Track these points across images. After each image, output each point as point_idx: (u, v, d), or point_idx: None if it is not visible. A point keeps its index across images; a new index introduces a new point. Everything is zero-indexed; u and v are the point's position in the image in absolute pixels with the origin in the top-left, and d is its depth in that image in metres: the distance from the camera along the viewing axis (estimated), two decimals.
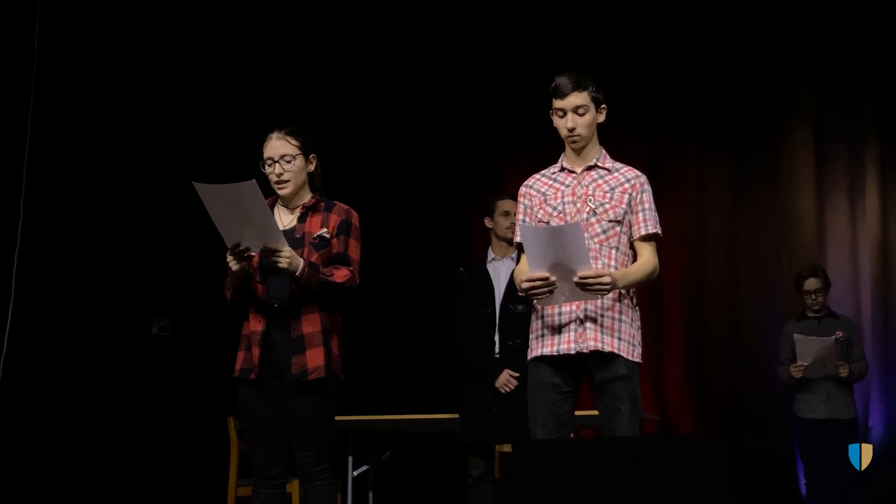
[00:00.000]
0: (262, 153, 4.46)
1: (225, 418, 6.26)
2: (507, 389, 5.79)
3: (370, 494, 6.98)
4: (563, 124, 4.32)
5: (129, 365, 7.73)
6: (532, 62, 7.72)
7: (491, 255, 6.08)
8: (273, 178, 4.44)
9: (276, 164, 4.42)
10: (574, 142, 4.33)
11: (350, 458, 6.79)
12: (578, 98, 4.29)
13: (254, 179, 4.12)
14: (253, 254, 4.28)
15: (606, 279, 4.05)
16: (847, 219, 7.79)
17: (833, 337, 6.72)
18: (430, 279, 7.56)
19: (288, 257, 4.22)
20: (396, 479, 7.56)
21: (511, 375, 5.77)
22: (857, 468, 6.56)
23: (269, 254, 4.23)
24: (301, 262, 4.26)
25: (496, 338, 5.90)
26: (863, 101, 7.82)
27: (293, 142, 4.45)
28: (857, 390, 7.00)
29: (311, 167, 4.51)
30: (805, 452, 6.89)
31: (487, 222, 6.10)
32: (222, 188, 4.11)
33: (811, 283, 6.91)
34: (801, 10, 7.85)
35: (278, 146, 4.44)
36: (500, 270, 5.99)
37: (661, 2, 8.08)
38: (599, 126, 4.41)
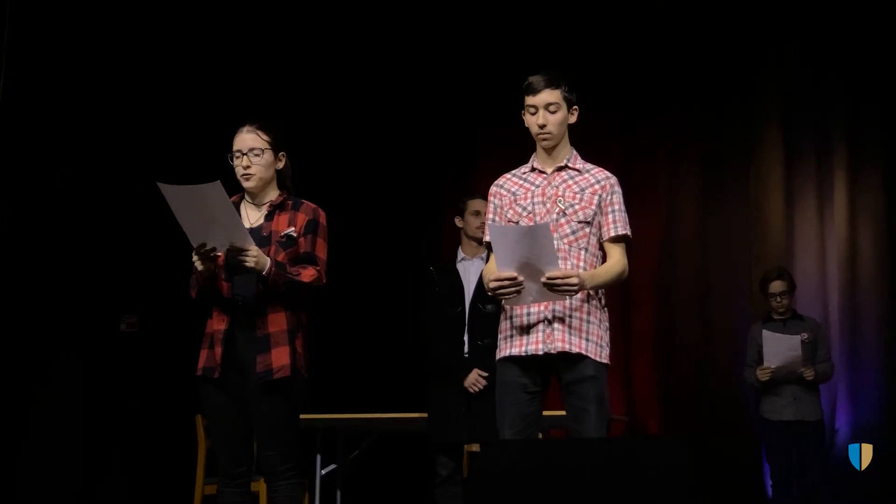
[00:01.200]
0: (231, 146, 4.45)
1: (193, 416, 6.24)
2: (476, 389, 5.79)
3: (338, 493, 6.97)
4: (534, 121, 4.32)
5: (97, 361, 7.69)
6: (505, 63, 7.72)
7: (461, 254, 6.08)
8: (240, 170, 4.41)
9: (244, 157, 4.40)
10: (544, 139, 4.33)
11: (318, 457, 6.78)
12: (551, 95, 4.29)
13: (219, 181, 4.10)
14: (219, 253, 4.25)
15: (574, 280, 4.05)
16: (815, 222, 7.84)
17: (800, 336, 6.73)
18: (401, 278, 7.55)
19: (255, 256, 4.20)
20: (364, 478, 7.55)
21: (480, 375, 5.77)
22: (823, 469, 6.71)
23: (236, 253, 4.21)
24: (268, 262, 4.24)
25: (465, 337, 5.90)
26: (831, 107, 7.86)
27: (264, 136, 4.43)
28: (825, 392, 7.03)
29: (280, 165, 4.49)
30: (771, 454, 6.88)
31: (458, 221, 6.09)
32: (187, 189, 4.09)
33: (776, 286, 6.92)
34: (771, 14, 7.88)
35: (248, 139, 4.42)
36: (469, 270, 5.98)
37: (633, 5, 8.09)
38: (571, 128, 4.41)
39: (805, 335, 6.80)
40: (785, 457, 6.79)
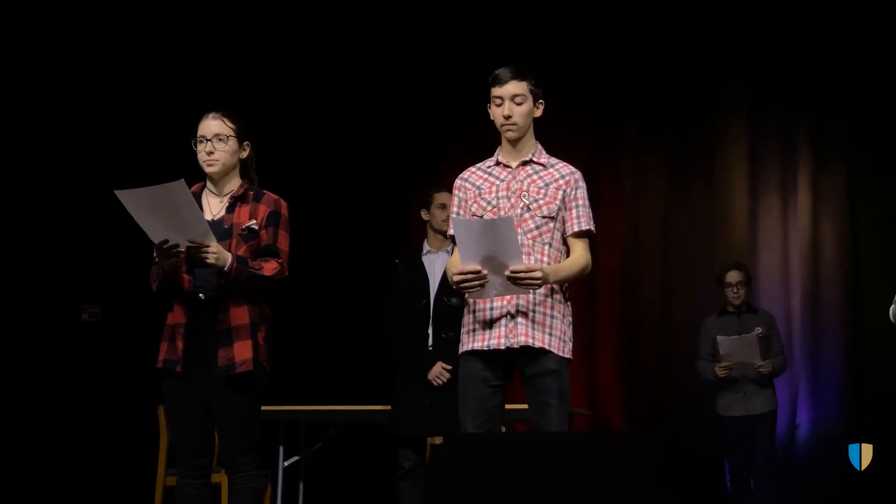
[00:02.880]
0: (195, 131, 4.42)
1: (155, 407, 6.21)
2: (440, 382, 5.80)
3: (301, 485, 6.95)
4: (499, 112, 4.32)
5: (58, 351, 7.63)
6: (473, 56, 7.71)
7: (426, 247, 6.08)
8: (203, 155, 4.39)
9: (208, 143, 4.37)
10: (509, 130, 4.33)
11: (281, 449, 6.76)
12: (517, 87, 4.30)
13: (182, 179, 4.08)
14: (181, 250, 4.23)
15: (537, 274, 4.06)
16: (779, 219, 7.88)
17: (755, 333, 6.75)
18: (365, 270, 7.54)
19: (215, 253, 4.18)
20: (327, 471, 7.54)
21: (444, 368, 5.78)
22: (769, 460, 6.73)
23: (197, 249, 4.19)
24: (229, 257, 4.21)
25: (430, 330, 5.91)
26: (795, 105, 7.91)
27: (229, 124, 4.40)
28: (786, 388, 7.08)
29: (244, 154, 4.47)
30: (729, 449, 6.93)
31: (424, 214, 6.10)
32: (148, 191, 4.06)
33: (732, 276, 6.93)
34: (737, 10, 7.91)
35: (213, 125, 4.39)
36: (435, 263, 5.99)
37: (598, 1, 8.12)
38: (537, 122, 4.41)
39: (759, 329, 6.81)
40: (741, 452, 6.82)
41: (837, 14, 7.73)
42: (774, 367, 6.81)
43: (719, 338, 6.77)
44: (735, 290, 6.92)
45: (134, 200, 4.08)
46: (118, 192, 4.06)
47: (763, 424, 6.78)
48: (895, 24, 7.54)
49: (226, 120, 4.40)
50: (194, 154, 4.42)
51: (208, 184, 4.47)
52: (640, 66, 8.11)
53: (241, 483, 4.34)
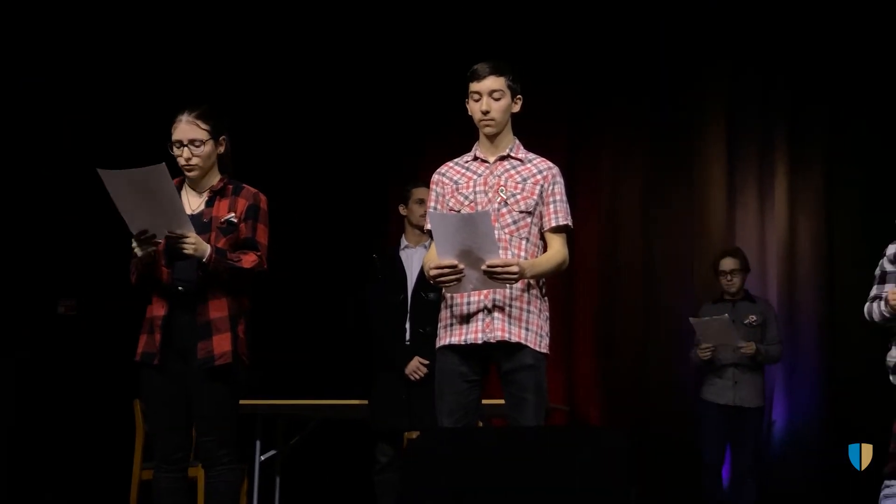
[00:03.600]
0: (170, 134, 4.41)
1: (131, 400, 6.20)
2: (417, 377, 5.81)
3: (277, 480, 6.95)
4: (477, 108, 4.33)
5: (34, 345, 7.60)
6: (452, 53, 7.71)
7: (404, 242, 6.09)
8: (181, 161, 4.39)
9: (185, 149, 4.37)
10: (487, 125, 4.34)
11: (258, 443, 6.76)
12: (495, 83, 4.31)
13: (163, 163, 4.08)
14: (159, 240, 4.23)
15: (514, 268, 4.07)
16: (756, 219, 7.90)
17: (724, 316, 6.60)
18: (343, 265, 7.54)
19: (193, 244, 4.18)
20: (304, 465, 7.53)
21: (421, 363, 5.79)
22: (754, 457, 6.69)
23: (175, 240, 4.18)
24: (208, 249, 4.22)
25: (407, 325, 5.92)
26: (775, 107, 7.93)
27: (203, 126, 4.38)
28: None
29: (221, 149, 4.47)
30: (707, 437, 6.80)
31: (401, 209, 6.11)
32: (130, 173, 4.06)
33: (727, 263, 6.84)
34: (717, 14, 7.94)
35: (188, 130, 4.37)
36: (412, 258, 5.99)
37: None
38: (516, 118, 4.42)
39: (753, 318, 6.73)
40: (718, 441, 6.74)
41: (817, 19, 7.75)
42: (767, 353, 6.73)
43: (691, 319, 6.69)
44: (729, 277, 6.83)
45: (115, 181, 4.08)
46: (101, 171, 4.06)
47: (751, 422, 6.73)
48: (871, 30, 7.58)
49: (199, 122, 4.38)
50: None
51: (187, 179, 4.47)
52: (620, 64, 8.12)
53: (217, 477, 4.34)
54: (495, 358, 4.26)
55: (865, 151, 7.61)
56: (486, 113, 4.31)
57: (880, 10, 7.52)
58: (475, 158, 4.42)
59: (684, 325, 7.16)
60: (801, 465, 7.48)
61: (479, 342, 4.21)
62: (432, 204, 4.42)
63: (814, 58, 7.78)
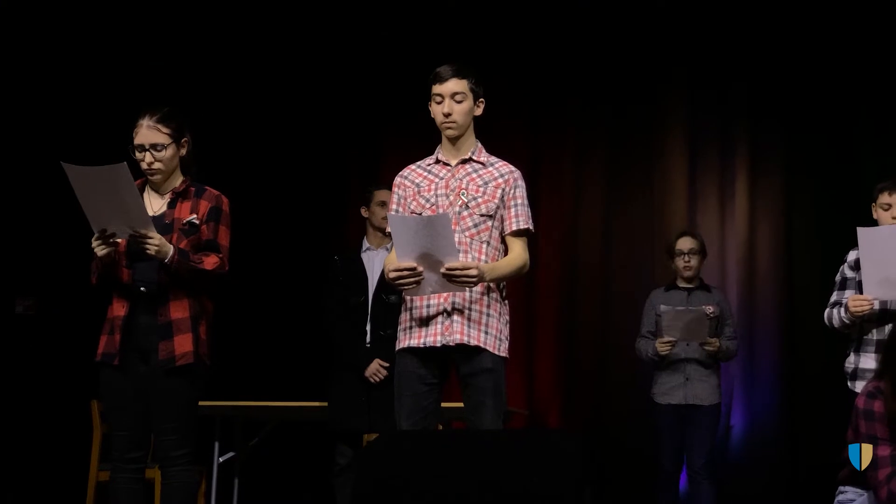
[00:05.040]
0: (132, 137, 4.39)
1: (89, 401, 6.16)
2: (377, 379, 5.81)
3: (236, 481, 6.92)
4: (439, 110, 4.34)
5: None
6: (414, 55, 7.72)
7: (366, 244, 6.10)
8: (143, 165, 4.38)
9: (147, 153, 4.36)
10: (449, 128, 4.35)
11: (216, 444, 6.72)
12: (457, 85, 4.32)
13: (125, 162, 4.07)
14: (120, 239, 4.22)
15: (473, 272, 4.08)
16: (717, 222, 7.95)
17: (703, 308, 6.10)
18: (304, 267, 7.53)
19: (157, 244, 4.18)
20: (263, 467, 7.51)
21: (381, 365, 5.79)
22: (708, 460, 6.13)
23: (139, 239, 4.17)
24: (171, 249, 4.22)
25: (368, 327, 5.92)
26: (734, 115, 7.99)
27: (164, 129, 4.38)
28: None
29: (183, 151, 4.47)
30: (663, 443, 6.27)
31: (363, 211, 6.12)
32: (93, 170, 4.05)
33: (685, 243, 6.28)
34: (678, 23, 7.98)
35: (149, 135, 4.37)
36: (374, 260, 6.00)
37: (544, 1, 8.15)
38: (479, 121, 4.44)
39: (711, 308, 6.16)
40: (672, 443, 6.22)
41: (776, 28, 7.83)
42: (727, 350, 6.23)
43: (663, 307, 6.15)
44: (686, 258, 6.24)
45: (79, 177, 4.06)
46: (65, 165, 4.04)
47: (704, 419, 6.16)
48: (825, 42, 7.67)
49: (160, 127, 4.38)
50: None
51: (149, 181, 4.46)
52: (581, 69, 8.15)
53: (174, 478, 4.33)
54: (454, 361, 4.27)
55: (821, 157, 7.69)
56: (447, 115, 4.32)
57: (834, 23, 7.62)
58: (437, 161, 4.43)
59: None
60: (758, 470, 7.52)
61: (438, 345, 4.21)
62: (394, 206, 4.42)
63: (771, 67, 7.85)
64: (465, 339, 4.20)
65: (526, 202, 4.40)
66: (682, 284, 6.34)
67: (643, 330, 6.37)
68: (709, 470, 6.17)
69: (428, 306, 4.25)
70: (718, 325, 6.23)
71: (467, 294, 4.21)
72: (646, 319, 6.38)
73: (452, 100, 4.32)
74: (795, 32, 7.79)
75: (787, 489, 7.40)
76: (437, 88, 4.33)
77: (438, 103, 4.34)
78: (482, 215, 4.30)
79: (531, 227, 4.40)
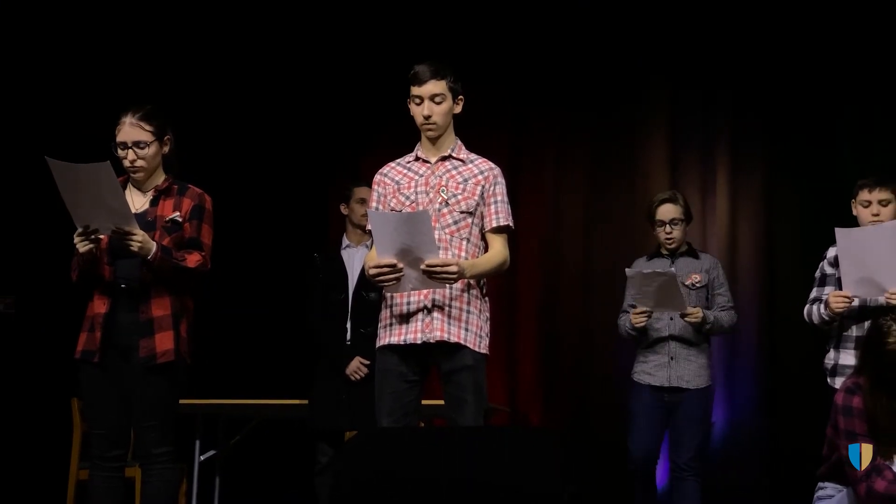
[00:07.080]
0: (114, 135, 4.39)
1: (69, 399, 6.13)
2: (358, 377, 5.80)
3: (217, 479, 6.91)
4: (419, 111, 4.34)
5: None
6: (394, 52, 7.71)
7: (346, 241, 6.09)
8: (126, 163, 4.38)
9: (130, 151, 4.36)
10: (429, 129, 4.35)
11: (198, 443, 6.71)
12: (436, 87, 4.32)
13: (108, 161, 4.07)
14: (102, 236, 4.22)
15: (453, 268, 4.08)
16: (698, 221, 7.95)
17: (672, 270, 5.54)
18: (285, 264, 7.51)
19: (140, 241, 4.18)
20: (244, 465, 7.49)
21: (361, 363, 5.78)
22: (695, 454, 5.58)
23: (122, 236, 4.17)
24: (153, 246, 4.22)
25: (348, 325, 5.91)
26: (715, 116, 8.01)
27: (147, 127, 4.39)
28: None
29: (166, 149, 4.47)
30: (635, 426, 5.65)
31: (343, 209, 6.11)
32: (77, 167, 4.05)
33: (666, 211, 5.71)
34: (659, 24, 8.00)
35: (132, 132, 4.37)
36: (354, 257, 5.99)
37: (523, 4, 8.16)
38: (459, 118, 4.44)
39: (697, 277, 5.66)
40: (649, 429, 5.62)
41: (758, 32, 7.85)
42: (717, 321, 5.62)
43: (627, 270, 5.56)
44: (668, 229, 5.67)
45: (62, 173, 4.06)
46: (49, 160, 4.04)
47: (690, 407, 5.58)
48: (807, 41, 7.70)
49: (143, 124, 4.38)
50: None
51: (131, 179, 4.45)
52: (567, 66, 8.15)
53: (154, 475, 4.33)
54: (435, 358, 4.27)
55: (801, 155, 7.72)
56: (427, 118, 4.33)
57: (817, 23, 7.64)
58: (417, 159, 4.44)
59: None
60: (738, 465, 7.54)
61: (419, 342, 4.21)
62: (374, 204, 4.42)
63: (753, 66, 7.87)
64: (446, 336, 4.20)
65: (506, 199, 4.41)
66: (665, 252, 5.78)
67: (624, 304, 5.81)
68: (695, 465, 5.59)
69: (408, 303, 4.25)
70: (708, 294, 5.70)
71: (447, 291, 4.22)
72: (627, 292, 5.79)
73: (432, 101, 4.32)
74: (777, 32, 7.80)
75: (766, 485, 7.42)
76: (415, 90, 4.33)
77: (418, 104, 4.34)
78: (462, 212, 4.30)
79: (511, 224, 4.40)
